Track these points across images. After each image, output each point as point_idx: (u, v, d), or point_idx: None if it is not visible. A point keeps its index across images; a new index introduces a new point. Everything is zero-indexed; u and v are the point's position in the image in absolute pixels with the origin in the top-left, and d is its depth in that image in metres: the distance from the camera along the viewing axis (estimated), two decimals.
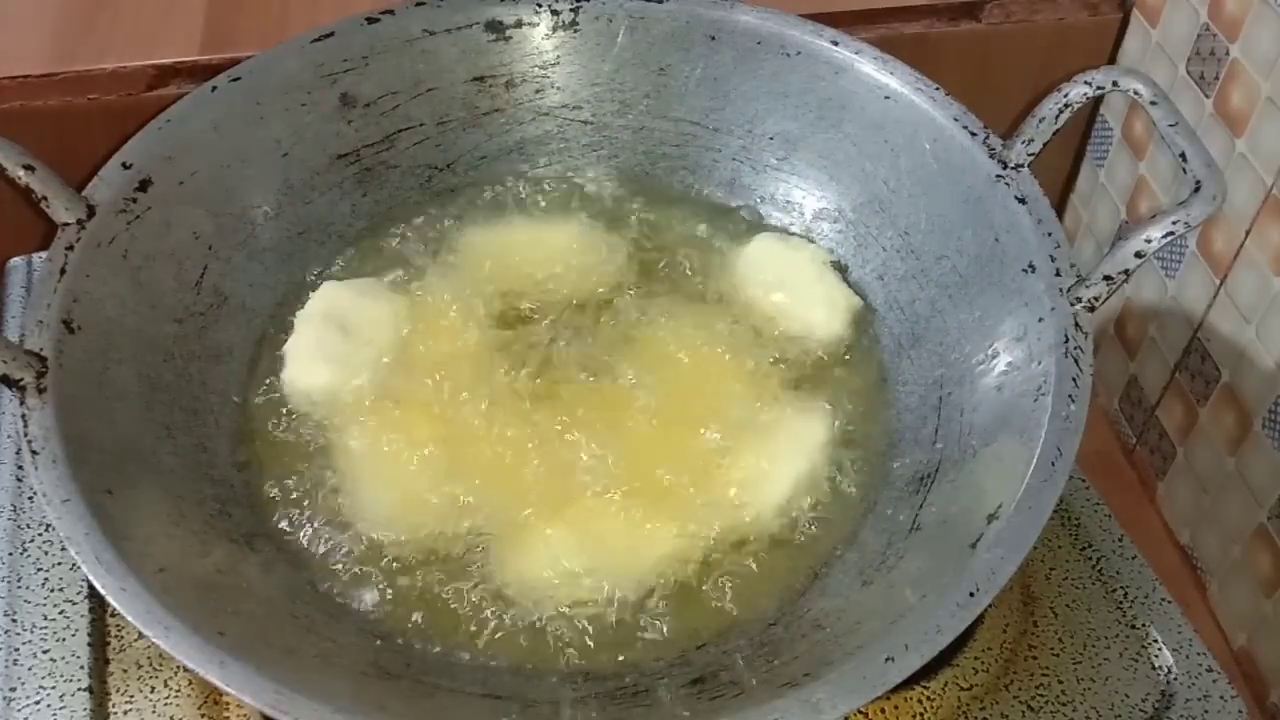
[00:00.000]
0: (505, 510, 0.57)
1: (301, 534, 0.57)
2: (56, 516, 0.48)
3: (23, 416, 0.50)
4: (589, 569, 0.55)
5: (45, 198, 0.56)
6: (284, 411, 0.61)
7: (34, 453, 0.49)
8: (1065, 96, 0.59)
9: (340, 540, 0.56)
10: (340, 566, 0.56)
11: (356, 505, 0.57)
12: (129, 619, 0.45)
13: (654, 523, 0.56)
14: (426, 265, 0.67)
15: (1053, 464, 0.51)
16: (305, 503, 0.58)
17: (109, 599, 0.46)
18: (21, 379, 0.51)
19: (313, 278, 0.66)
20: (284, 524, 0.57)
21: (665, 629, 0.54)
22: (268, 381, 0.62)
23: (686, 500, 0.57)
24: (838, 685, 0.45)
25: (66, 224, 0.56)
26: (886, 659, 0.45)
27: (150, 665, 0.57)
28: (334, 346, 0.62)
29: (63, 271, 0.55)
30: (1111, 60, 0.85)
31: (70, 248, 0.55)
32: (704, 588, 0.55)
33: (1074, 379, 0.53)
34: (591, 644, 0.54)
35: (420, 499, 0.57)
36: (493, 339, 0.63)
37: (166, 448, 0.55)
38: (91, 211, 0.57)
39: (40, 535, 0.62)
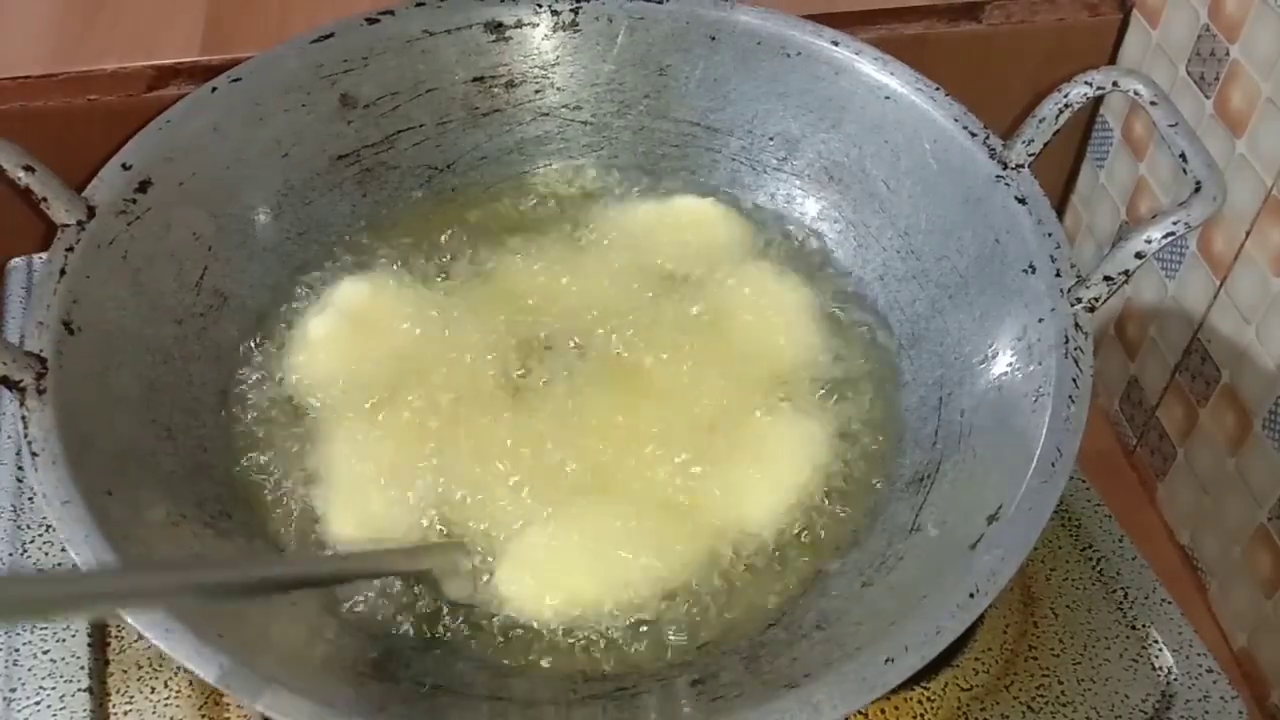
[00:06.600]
0: (503, 514, 0.57)
1: (301, 536, 0.56)
2: (57, 518, 0.48)
3: (23, 418, 0.50)
4: (587, 571, 0.55)
5: (45, 198, 0.55)
6: (285, 411, 0.61)
7: (34, 454, 0.49)
8: (1065, 97, 0.59)
9: (338, 542, 0.56)
10: None
11: (354, 507, 0.57)
12: (129, 619, 0.45)
13: (655, 525, 0.56)
14: (439, 271, 0.66)
15: (1053, 464, 0.51)
16: (304, 505, 0.57)
17: None
18: (21, 380, 0.51)
19: (313, 278, 0.66)
20: (283, 526, 0.57)
21: (665, 630, 0.54)
22: (267, 381, 0.62)
23: (688, 503, 0.57)
24: (838, 686, 0.45)
25: (66, 225, 0.56)
26: (886, 660, 0.45)
27: (150, 666, 0.57)
28: (341, 342, 0.62)
29: (62, 273, 0.55)
30: (1111, 60, 0.85)
31: (70, 249, 0.55)
32: (704, 589, 0.55)
33: (1074, 380, 0.53)
34: (591, 645, 0.54)
35: (417, 502, 0.57)
36: (497, 346, 0.63)
37: (166, 449, 0.55)
38: (91, 212, 0.57)
39: (40, 536, 0.62)
